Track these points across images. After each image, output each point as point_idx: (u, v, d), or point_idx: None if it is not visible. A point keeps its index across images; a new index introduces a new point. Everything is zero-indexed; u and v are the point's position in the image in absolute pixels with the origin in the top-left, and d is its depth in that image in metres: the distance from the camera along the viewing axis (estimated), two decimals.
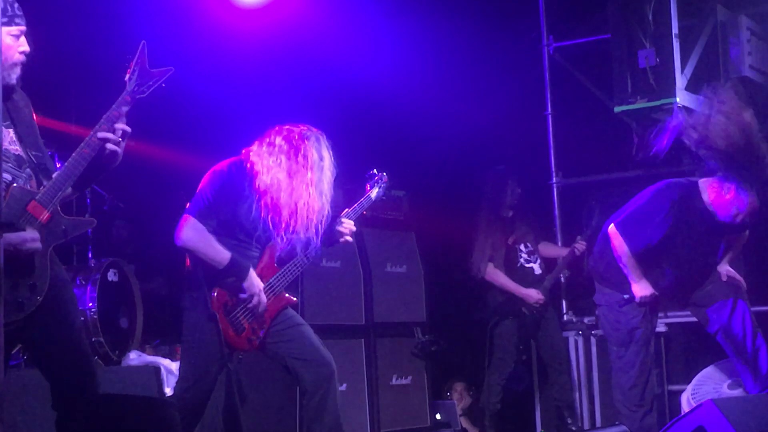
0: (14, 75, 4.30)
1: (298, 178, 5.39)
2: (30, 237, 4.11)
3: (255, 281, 5.41)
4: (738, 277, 6.58)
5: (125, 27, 8.21)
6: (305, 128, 5.53)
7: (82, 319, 7.52)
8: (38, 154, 4.37)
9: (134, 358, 7.38)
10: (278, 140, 5.45)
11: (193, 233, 5.31)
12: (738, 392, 6.73)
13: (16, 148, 4.28)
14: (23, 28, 4.29)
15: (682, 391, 7.34)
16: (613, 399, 6.65)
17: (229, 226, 5.40)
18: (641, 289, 6.35)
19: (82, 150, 4.29)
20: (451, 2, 9.43)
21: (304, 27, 9.02)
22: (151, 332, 8.19)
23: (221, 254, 5.33)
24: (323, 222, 5.52)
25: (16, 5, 4.28)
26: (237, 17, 8.77)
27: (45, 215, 4.20)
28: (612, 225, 6.34)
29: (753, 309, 6.60)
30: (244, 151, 5.53)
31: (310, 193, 5.40)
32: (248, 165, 5.42)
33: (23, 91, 4.45)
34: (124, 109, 4.37)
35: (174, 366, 7.04)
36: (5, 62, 4.22)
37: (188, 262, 5.45)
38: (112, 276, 7.75)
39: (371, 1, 9.11)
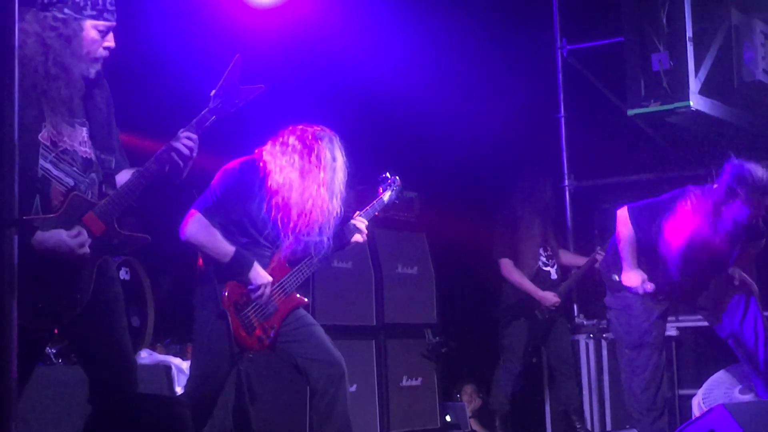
0: (93, 70, 4.17)
1: (310, 178, 5.39)
2: (78, 242, 4.01)
3: (261, 272, 5.39)
4: (750, 281, 6.56)
5: (138, 27, 8.21)
6: (319, 128, 5.53)
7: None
8: (107, 158, 4.26)
9: (145, 356, 7.38)
10: (291, 140, 5.45)
11: (197, 227, 5.31)
12: (749, 397, 6.72)
13: (86, 150, 4.17)
14: (112, 23, 4.18)
15: (693, 395, 7.34)
16: (625, 403, 6.64)
17: (241, 225, 5.40)
18: (631, 278, 6.34)
19: (150, 165, 4.19)
20: (465, 4, 9.42)
21: (317, 27, 9.02)
22: (161, 331, 8.19)
23: (225, 248, 5.33)
24: (333, 221, 5.51)
25: (109, 0, 4.18)
26: (250, 17, 8.77)
27: (100, 228, 4.11)
28: (624, 208, 6.34)
29: (765, 314, 6.58)
30: (257, 151, 5.53)
31: (321, 194, 5.40)
32: (261, 164, 5.43)
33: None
34: (204, 125, 4.25)
35: (185, 365, 7.04)
36: (87, 56, 4.13)
37: (200, 260, 5.46)
38: (123, 274, 7.75)
39: (384, 1, 9.11)
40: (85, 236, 4.05)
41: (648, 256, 6.34)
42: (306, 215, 5.38)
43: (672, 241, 6.25)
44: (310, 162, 5.39)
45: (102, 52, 4.20)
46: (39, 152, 4.01)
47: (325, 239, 5.53)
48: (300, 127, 5.53)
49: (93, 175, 4.20)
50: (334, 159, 5.47)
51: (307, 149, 5.41)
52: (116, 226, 4.18)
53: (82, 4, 4.11)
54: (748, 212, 6.17)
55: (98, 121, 4.26)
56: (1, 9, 3.21)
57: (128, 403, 4.25)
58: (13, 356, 3.10)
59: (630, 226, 6.28)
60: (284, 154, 5.42)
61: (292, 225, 5.38)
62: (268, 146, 5.49)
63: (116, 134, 4.40)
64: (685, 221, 6.23)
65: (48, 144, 4.04)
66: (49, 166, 4.05)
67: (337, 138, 5.55)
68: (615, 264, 6.55)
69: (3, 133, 3.21)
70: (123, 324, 4.34)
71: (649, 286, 6.35)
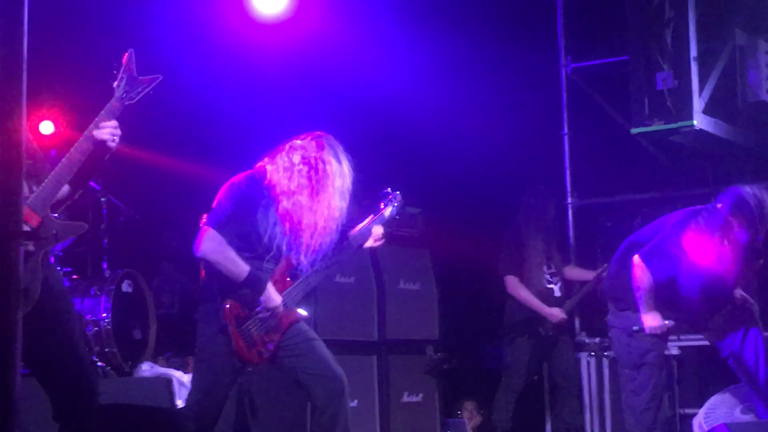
0: None
1: (320, 197, 5.38)
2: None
3: (273, 295, 5.41)
4: (751, 300, 6.56)
5: (145, 41, 8.24)
6: (317, 137, 5.51)
7: (95, 328, 7.52)
8: (28, 162, 4.34)
9: (147, 369, 7.39)
10: (296, 159, 5.42)
11: (212, 245, 5.32)
12: (750, 417, 6.70)
13: None
14: None
15: (694, 414, 7.32)
16: (625, 422, 6.63)
17: (247, 240, 5.40)
18: (651, 320, 6.33)
19: (71, 155, 4.30)
20: (470, 21, 9.45)
21: (322, 42, 9.05)
22: (163, 344, 8.21)
23: (240, 267, 5.33)
24: (341, 222, 5.52)
25: None
26: (255, 31, 8.80)
27: (35, 220, 4.19)
28: (636, 256, 6.31)
29: (766, 334, 6.58)
30: (258, 166, 5.52)
31: (332, 206, 5.40)
32: (266, 183, 5.41)
33: None
34: (114, 114, 4.38)
35: (186, 378, 7.05)
36: None
37: (203, 273, 5.46)
38: (126, 287, 7.77)
39: (389, 18, 9.13)
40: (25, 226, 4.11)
41: (667, 290, 6.33)
42: (319, 234, 5.38)
43: (698, 263, 6.25)
44: (318, 181, 5.38)
45: None
46: None
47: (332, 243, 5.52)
48: (299, 143, 5.50)
49: None
50: (339, 162, 5.47)
51: (314, 169, 5.40)
52: (51, 215, 4.28)
53: None
54: (749, 236, 6.18)
55: None
56: (9, 19, 3.22)
57: (93, 413, 4.26)
58: (17, 371, 3.10)
59: (647, 272, 6.27)
60: (291, 179, 5.38)
61: (304, 247, 5.39)
62: (271, 165, 5.47)
63: (34, 144, 4.46)
64: (700, 247, 6.24)
65: None
66: None
67: (334, 139, 5.54)
68: (618, 284, 6.54)
69: (10, 143, 3.22)
70: (76, 332, 4.41)
71: (669, 323, 6.36)
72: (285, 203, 5.36)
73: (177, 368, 7.55)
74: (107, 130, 4.31)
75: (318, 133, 5.54)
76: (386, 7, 9.12)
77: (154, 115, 6.67)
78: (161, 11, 8.31)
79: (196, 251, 5.34)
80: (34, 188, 4.30)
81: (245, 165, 5.62)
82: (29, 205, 4.19)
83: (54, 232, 4.27)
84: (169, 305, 9.10)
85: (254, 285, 5.36)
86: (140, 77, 4.44)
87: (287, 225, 5.36)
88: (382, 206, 6.15)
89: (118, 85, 4.40)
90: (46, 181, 4.28)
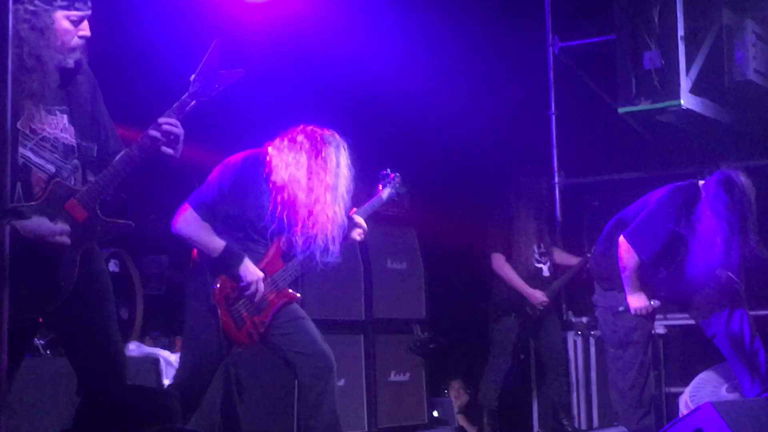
0: (72, 59, 4.15)
1: (315, 180, 5.37)
2: (59, 230, 4.01)
3: (251, 268, 5.37)
4: (737, 280, 6.57)
5: (131, 22, 8.20)
6: (329, 132, 5.51)
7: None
8: (89, 145, 4.24)
9: (133, 349, 7.37)
10: (300, 138, 5.44)
11: (187, 222, 5.31)
12: (736, 395, 6.73)
13: (66, 136, 4.16)
14: (83, 13, 4.14)
15: (680, 393, 7.35)
16: (611, 400, 6.66)
17: (240, 220, 5.39)
18: (637, 300, 6.34)
19: (131, 152, 4.18)
20: (457, 1, 9.43)
21: (310, 23, 9.01)
22: (150, 323, 8.19)
23: (215, 243, 5.32)
24: (339, 230, 5.49)
25: None
26: (243, 12, 8.76)
27: (82, 215, 4.11)
28: (622, 236, 6.31)
29: (752, 312, 6.60)
30: (266, 145, 5.52)
31: (327, 198, 5.39)
32: (267, 163, 5.41)
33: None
34: (183, 111, 4.22)
35: (173, 358, 7.04)
36: (62, 46, 4.11)
37: (195, 252, 5.45)
38: (113, 267, 7.74)
39: None
40: (65, 225, 4.05)
41: (652, 267, 6.34)
42: (312, 216, 5.37)
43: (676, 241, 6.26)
44: (316, 164, 5.38)
45: (77, 42, 4.17)
46: (18, 140, 4.01)
47: (331, 246, 5.49)
48: (311, 127, 5.52)
49: (75, 161, 4.21)
50: (338, 165, 5.46)
51: (315, 150, 5.40)
52: (99, 212, 4.18)
53: None
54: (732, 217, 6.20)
55: (80, 109, 4.25)
56: None
57: (117, 395, 4.25)
58: (3, 349, 3.11)
59: (633, 253, 6.27)
60: (291, 150, 5.40)
61: (300, 223, 5.38)
62: (276, 141, 5.48)
63: (106, 121, 4.37)
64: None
65: (27, 132, 4.05)
66: (29, 153, 4.05)
67: (345, 145, 5.53)
68: (604, 264, 6.55)
69: None
70: (111, 316, 4.33)
71: (655, 303, 6.37)
72: (282, 173, 5.36)
73: (164, 348, 7.54)
74: (163, 127, 4.17)
75: (333, 131, 5.54)
76: None
77: (142, 96, 6.65)
78: None
79: (172, 228, 5.35)
80: (90, 177, 4.22)
81: (235, 146, 5.61)
82: (78, 199, 4.11)
83: (99, 228, 4.18)
84: (156, 286, 9.08)
85: (230, 260, 5.34)
86: (221, 71, 4.25)
87: (284, 197, 5.35)
88: (380, 188, 6.13)
89: (195, 79, 4.23)
90: (101, 174, 4.18)
